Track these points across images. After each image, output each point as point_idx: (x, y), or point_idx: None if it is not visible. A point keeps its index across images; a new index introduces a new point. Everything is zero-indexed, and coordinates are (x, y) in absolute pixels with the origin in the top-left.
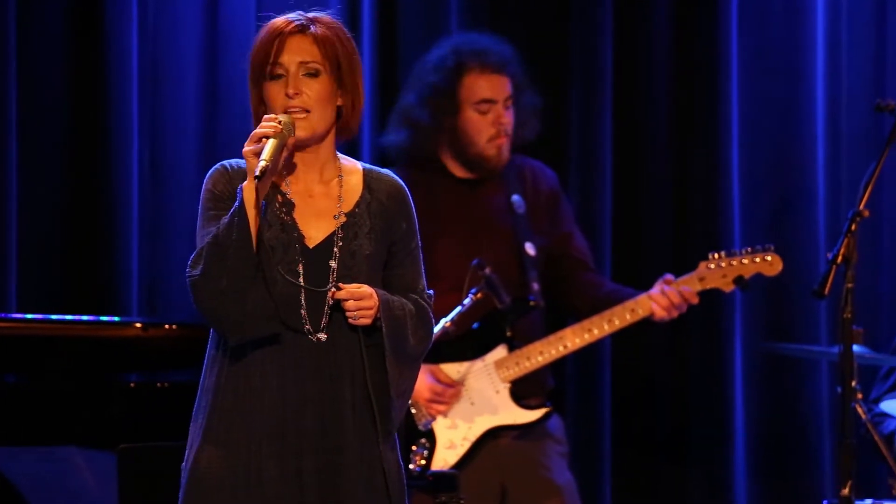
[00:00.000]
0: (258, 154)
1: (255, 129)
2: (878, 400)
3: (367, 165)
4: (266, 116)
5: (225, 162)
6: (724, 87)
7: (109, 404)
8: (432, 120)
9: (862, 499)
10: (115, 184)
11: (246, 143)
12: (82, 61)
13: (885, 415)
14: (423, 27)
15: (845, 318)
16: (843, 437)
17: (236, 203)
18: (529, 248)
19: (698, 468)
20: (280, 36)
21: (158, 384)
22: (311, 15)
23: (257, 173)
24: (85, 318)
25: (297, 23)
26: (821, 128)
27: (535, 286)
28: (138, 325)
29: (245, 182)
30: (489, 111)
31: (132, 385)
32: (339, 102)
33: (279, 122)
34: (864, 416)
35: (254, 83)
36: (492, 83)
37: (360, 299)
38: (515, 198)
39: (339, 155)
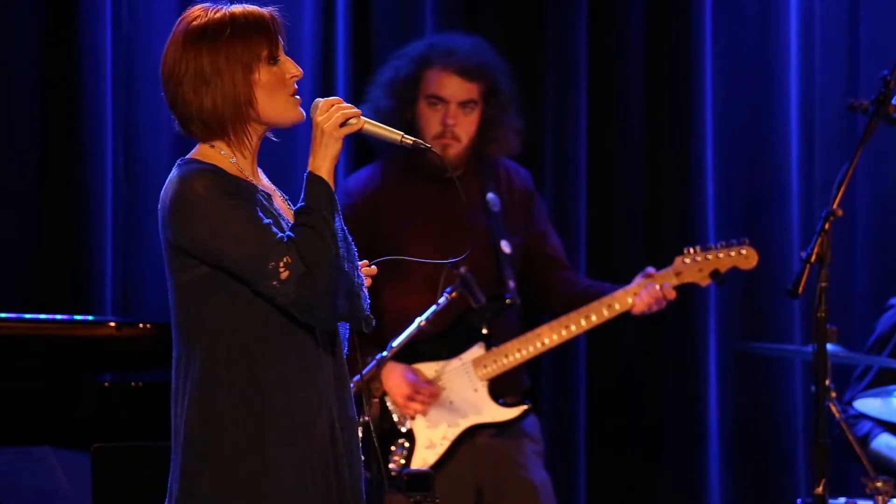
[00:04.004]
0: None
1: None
2: (852, 401)
3: None
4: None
5: (199, 168)
6: (698, 86)
7: (83, 404)
8: (392, 105)
9: (836, 497)
10: (89, 182)
11: (333, 108)
12: (56, 59)
13: (860, 416)
14: (398, 28)
15: (819, 317)
16: (817, 436)
17: (327, 188)
18: (505, 246)
19: (673, 467)
20: (273, 21)
21: (133, 384)
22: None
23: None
24: (59, 317)
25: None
26: (794, 127)
27: (511, 284)
28: (112, 324)
29: (329, 165)
30: (439, 109)
31: (106, 384)
32: None
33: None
34: (837, 415)
35: (246, 66)
36: (447, 82)
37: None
38: (490, 196)
39: None
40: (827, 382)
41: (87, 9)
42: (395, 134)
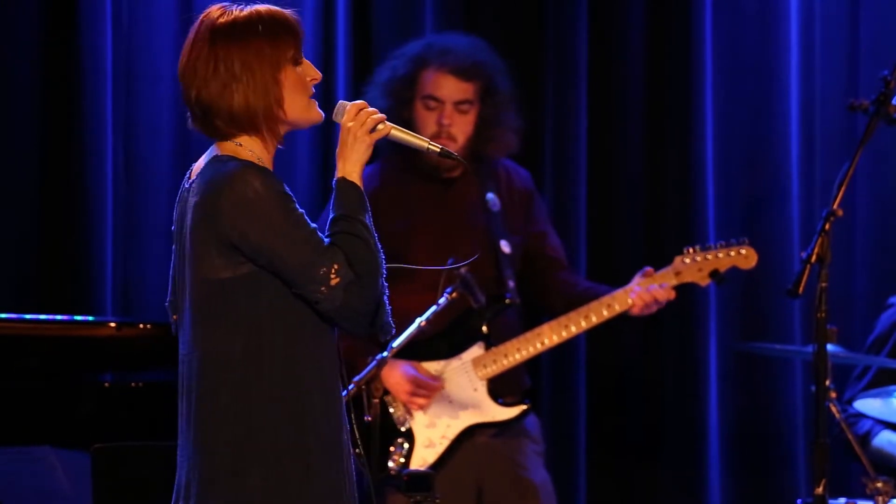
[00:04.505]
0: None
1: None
2: (851, 400)
3: None
4: (370, 109)
5: (251, 165)
6: (698, 86)
7: (83, 404)
8: (389, 105)
9: (836, 497)
10: (89, 182)
11: (362, 112)
12: (56, 59)
13: (860, 415)
14: (398, 27)
15: (819, 318)
16: (818, 436)
17: (361, 193)
18: (504, 246)
19: (673, 467)
20: (297, 23)
21: (133, 384)
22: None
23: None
24: (59, 317)
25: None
26: (795, 127)
27: (511, 284)
28: (112, 324)
29: (359, 170)
30: (435, 109)
31: (106, 385)
32: None
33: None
34: (837, 415)
35: (275, 65)
36: (443, 83)
37: None
38: (490, 196)
39: None
40: (827, 382)
41: (87, 9)
42: (421, 141)
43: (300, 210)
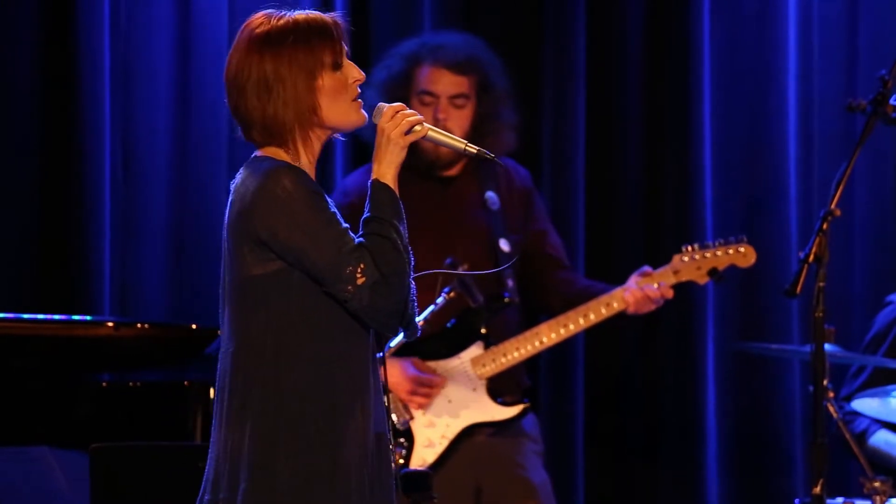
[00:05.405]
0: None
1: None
2: (848, 398)
3: None
4: (407, 111)
5: (285, 164)
6: (697, 87)
7: (81, 404)
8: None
9: (833, 497)
10: (87, 183)
11: (398, 115)
12: (54, 60)
13: (856, 413)
14: (397, 26)
15: (817, 317)
16: (815, 436)
17: (393, 195)
18: (504, 245)
19: (671, 467)
20: (336, 27)
21: (130, 384)
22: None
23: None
24: (57, 317)
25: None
26: (793, 128)
27: (510, 283)
28: (110, 324)
29: (394, 172)
30: (431, 104)
31: (104, 384)
32: None
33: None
34: (835, 415)
35: (309, 73)
36: (437, 77)
37: None
38: (490, 194)
39: None
40: (825, 382)
41: (85, 9)
42: (458, 142)
43: (332, 210)
